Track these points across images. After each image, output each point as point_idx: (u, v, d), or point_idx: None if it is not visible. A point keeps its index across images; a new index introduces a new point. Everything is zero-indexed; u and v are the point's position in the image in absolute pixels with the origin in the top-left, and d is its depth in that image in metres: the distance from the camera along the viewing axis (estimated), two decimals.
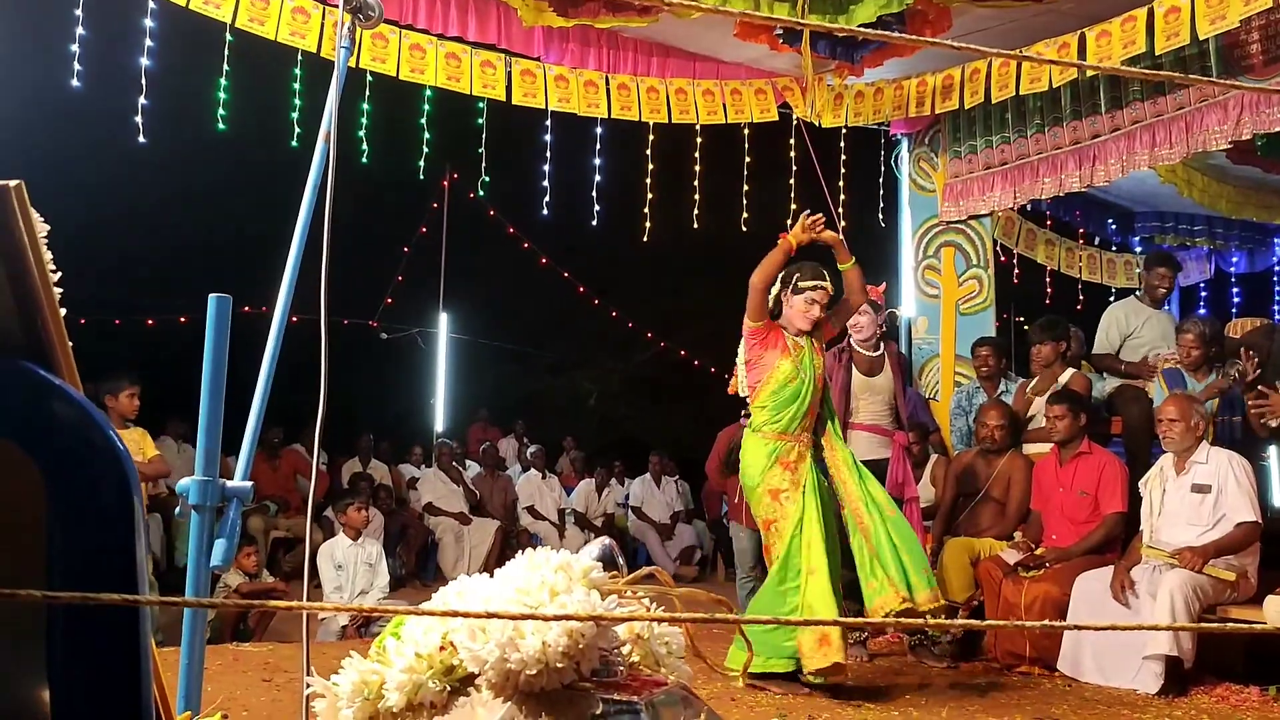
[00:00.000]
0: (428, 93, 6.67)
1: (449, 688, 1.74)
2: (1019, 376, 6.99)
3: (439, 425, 13.82)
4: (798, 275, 5.14)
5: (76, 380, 1.55)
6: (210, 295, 1.97)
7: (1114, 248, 10.28)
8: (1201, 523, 5.29)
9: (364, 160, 6.69)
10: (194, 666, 1.99)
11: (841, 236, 5.46)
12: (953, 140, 7.88)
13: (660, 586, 1.78)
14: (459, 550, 9.63)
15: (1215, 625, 4.99)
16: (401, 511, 9.83)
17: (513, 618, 1.62)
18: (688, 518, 11.23)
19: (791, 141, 7.65)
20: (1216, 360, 6.16)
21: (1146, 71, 4.41)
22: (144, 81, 5.86)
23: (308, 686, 1.87)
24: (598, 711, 1.66)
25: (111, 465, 1.33)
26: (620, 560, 1.93)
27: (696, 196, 7.48)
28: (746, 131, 7.47)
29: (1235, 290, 11.09)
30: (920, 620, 4.81)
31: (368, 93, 6.57)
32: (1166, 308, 7.31)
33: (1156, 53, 5.80)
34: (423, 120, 6.89)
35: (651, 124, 7.14)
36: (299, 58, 6.17)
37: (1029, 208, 8.63)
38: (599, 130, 7.24)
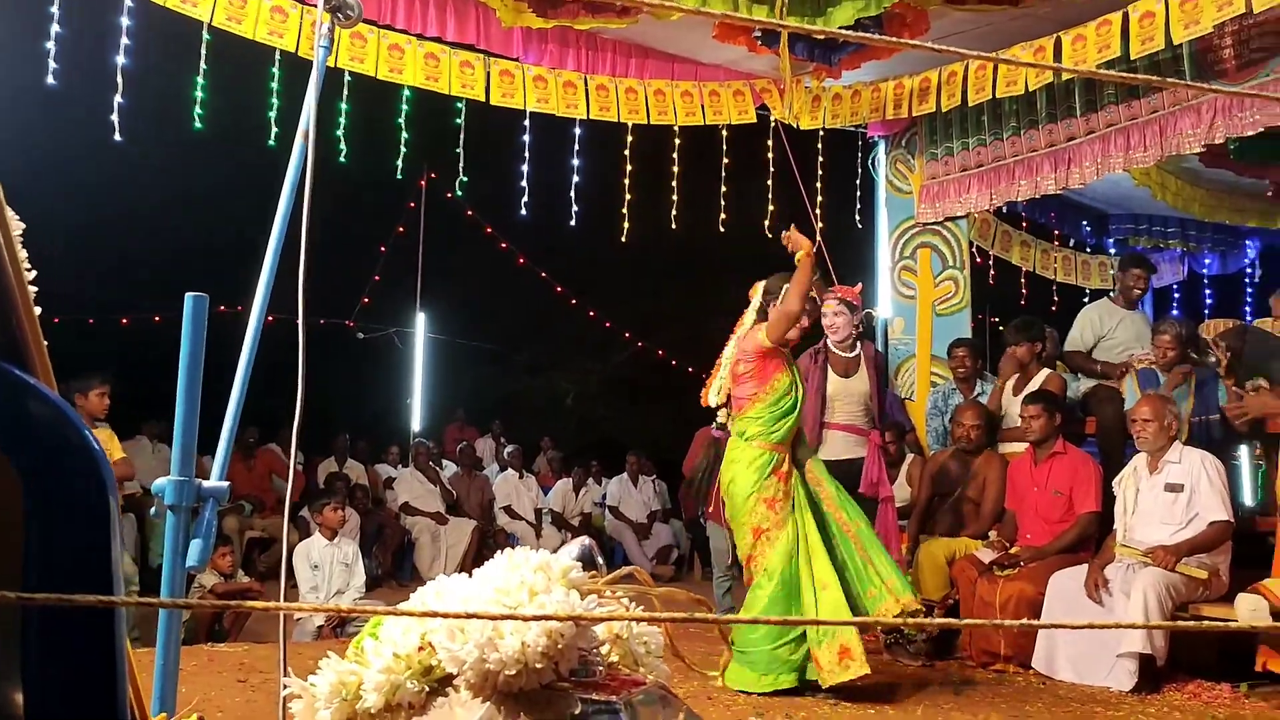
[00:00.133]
0: (406, 92, 6.65)
1: (427, 688, 1.74)
2: (994, 377, 7.03)
3: (416, 425, 13.80)
4: (787, 286, 5.17)
5: (51, 380, 1.55)
6: (187, 294, 1.96)
7: (1089, 250, 10.36)
8: (1174, 521, 5.34)
9: (342, 160, 6.67)
10: (169, 667, 1.98)
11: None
12: (929, 142, 7.92)
13: (639, 586, 1.78)
14: (435, 550, 9.61)
15: (1189, 624, 5.04)
16: (378, 511, 9.80)
17: (491, 618, 1.62)
18: (664, 517, 11.24)
19: (769, 143, 7.66)
20: (1193, 361, 6.22)
21: (1122, 74, 4.45)
22: (120, 80, 5.81)
23: (285, 687, 1.87)
24: (577, 711, 1.66)
25: (88, 465, 1.33)
26: (599, 560, 1.93)
27: (675, 197, 7.48)
28: (725, 133, 7.48)
29: (1208, 292, 11.20)
30: (900, 619, 4.82)
31: (346, 92, 6.54)
32: (1140, 309, 7.37)
33: (1131, 57, 5.85)
34: (401, 120, 6.86)
35: (630, 125, 7.14)
36: (277, 57, 6.14)
37: (1005, 209, 8.69)
38: (577, 131, 7.23)
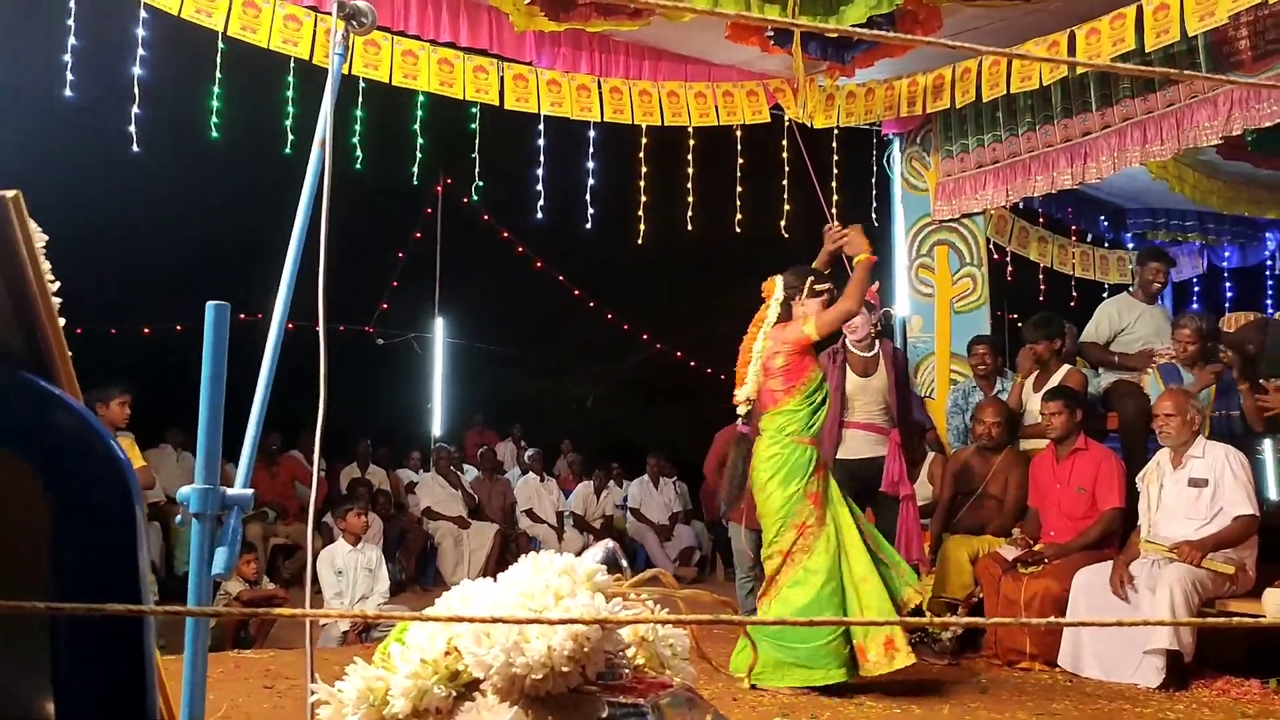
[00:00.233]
0: (420, 98, 6.67)
1: (454, 693, 1.74)
2: (1014, 374, 7.00)
3: (436, 430, 13.83)
4: (812, 279, 5.18)
5: (76, 390, 1.56)
6: (209, 303, 1.97)
7: (1106, 244, 10.30)
8: (1199, 517, 5.30)
9: (358, 167, 6.69)
10: (197, 674, 1.98)
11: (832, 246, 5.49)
12: (944, 139, 7.90)
13: (664, 589, 1.78)
14: (458, 554, 9.63)
15: (1217, 620, 4.99)
16: (400, 516, 9.82)
17: (518, 622, 1.62)
18: (686, 519, 11.23)
19: (784, 143, 7.65)
20: (1212, 355, 6.18)
21: (1138, 67, 4.42)
22: (137, 91, 5.84)
23: (312, 693, 1.87)
24: (604, 715, 1.66)
25: (113, 474, 1.33)
26: (624, 563, 1.92)
27: (690, 199, 7.48)
28: (739, 133, 7.46)
29: (1228, 285, 11.12)
30: (927, 620, 4.83)
31: (360, 99, 6.56)
32: (1160, 303, 7.32)
33: (1146, 50, 5.81)
34: (416, 126, 6.88)
35: (644, 127, 7.14)
36: (291, 65, 6.16)
37: (1021, 205, 8.65)
38: (592, 134, 7.24)
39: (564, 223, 7.71)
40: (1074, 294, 10.15)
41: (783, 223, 7.64)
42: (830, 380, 5.91)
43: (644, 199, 7.41)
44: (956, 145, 7.78)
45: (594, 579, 1.74)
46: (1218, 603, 5.18)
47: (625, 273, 13.86)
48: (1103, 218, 10.02)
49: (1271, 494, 6.47)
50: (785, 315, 5.19)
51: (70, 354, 1.54)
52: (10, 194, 1.36)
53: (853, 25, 5.84)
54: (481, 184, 7.14)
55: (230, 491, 2.00)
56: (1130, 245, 10.16)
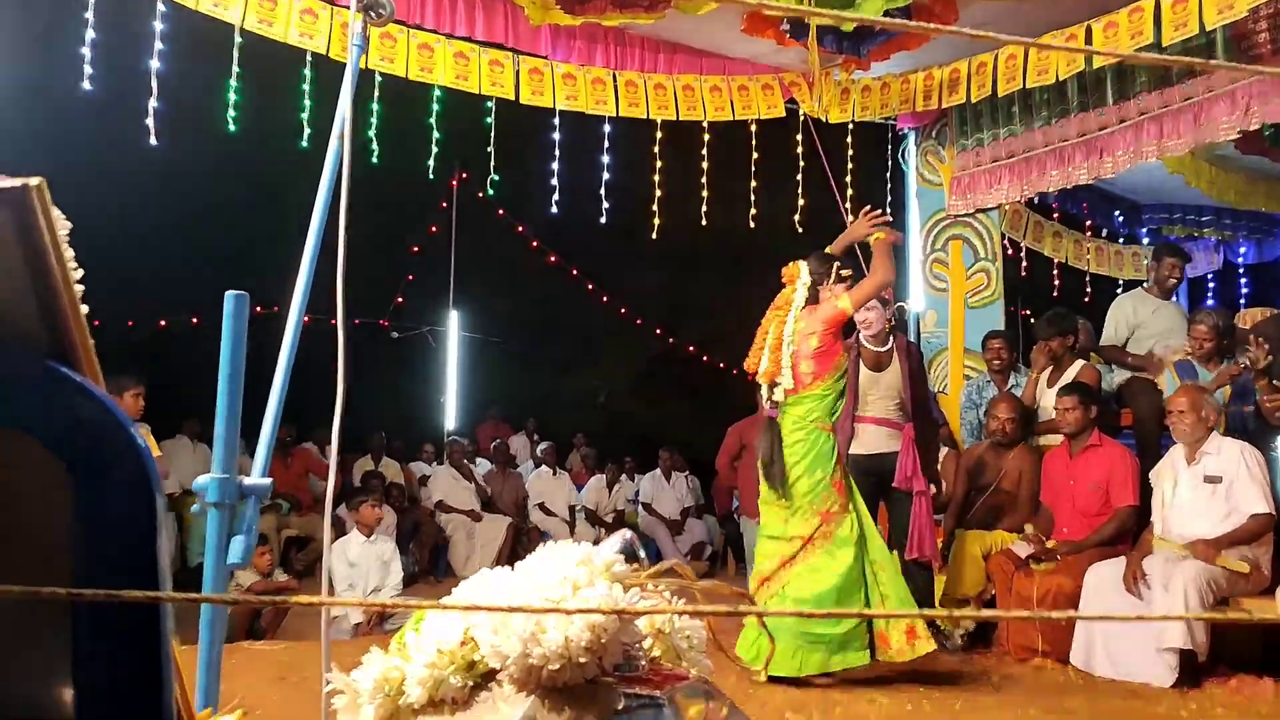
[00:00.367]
0: (436, 92, 6.68)
1: (471, 683, 1.75)
2: (1028, 369, 6.99)
3: (450, 423, 13.86)
4: (838, 264, 5.21)
5: (99, 378, 1.56)
6: (227, 293, 1.97)
7: (1121, 240, 10.26)
8: (1213, 514, 5.28)
9: (374, 160, 6.70)
10: (212, 663, 1.99)
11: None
12: (959, 134, 7.87)
13: (681, 580, 1.78)
14: (470, 547, 9.66)
15: (1232, 616, 4.97)
16: (413, 509, 9.85)
17: (535, 611, 1.62)
18: (698, 513, 11.24)
19: (799, 137, 7.65)
20: (1228, 352, 6.15)
21: (1158, 56, 4.40)
22: (155, 84, 5.87)
23: (328, 683, 1.87)
24: (620, 705, 1.66)
25: (134, 463, 1.34)
26: (641, 554, 1.93)
27: (704, 193, 7.48)
28: (753, 127, 7.46)
29: (1244, 281, 11.05)
30: (940, 613, 4.85)
31: (377, 93, 6.58)
32: (1175, 299, 7.30)
33: (1164, 43, 5.79)
34: (432, 120, 6.90)
35: (659, 121, 7.14)
36: (308, 58, 6.18)
37: (1036, 200, 8.62)
38: (607, 128, 7.24)
39: (579, 217, 7.72)
40: (1088, 289, 10.12)
41: (797, 217, 7.63)
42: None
43: (659, 193, 7.41)
44: (971, 140, 7.76)
45: (612, 569, 1.74)
46: (1232, 601, 5.16)
47: (639, 267, 13.86)
48: (1118, 213, 9.99)
49: None
50: (813, 299, 5.21)
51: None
52: (35, 182, 1.36)
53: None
54: (497, 178, 7.15)
55: (248, 480, 2.01)
56: (1145, 240, 10.13)
